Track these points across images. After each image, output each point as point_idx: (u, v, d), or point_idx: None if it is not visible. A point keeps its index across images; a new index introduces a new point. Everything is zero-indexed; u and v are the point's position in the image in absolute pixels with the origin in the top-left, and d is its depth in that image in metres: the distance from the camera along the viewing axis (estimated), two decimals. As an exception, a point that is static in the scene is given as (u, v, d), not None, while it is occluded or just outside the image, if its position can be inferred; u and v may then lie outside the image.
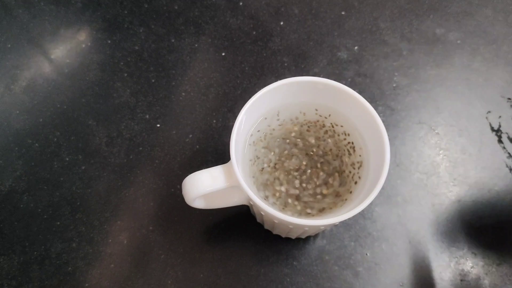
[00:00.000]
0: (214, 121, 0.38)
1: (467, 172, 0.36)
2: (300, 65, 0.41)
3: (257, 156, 0.30)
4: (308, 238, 0.33)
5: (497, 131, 0.38)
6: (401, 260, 0.33)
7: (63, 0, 0.44)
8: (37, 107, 0.39)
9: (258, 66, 0.41)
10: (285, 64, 0.41)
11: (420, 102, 0.39)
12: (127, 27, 0.43)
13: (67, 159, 0.37)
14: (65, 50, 0.42)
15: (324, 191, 0.29)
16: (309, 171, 0.30)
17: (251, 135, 0.30)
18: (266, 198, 0.29)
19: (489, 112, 0.39)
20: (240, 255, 0.33)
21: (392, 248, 0.33)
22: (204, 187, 0.26)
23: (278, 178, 0.29)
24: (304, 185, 0.29)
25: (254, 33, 0.43)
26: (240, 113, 0.27)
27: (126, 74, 0.41)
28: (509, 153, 0.37)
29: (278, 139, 0.31)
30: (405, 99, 0.39)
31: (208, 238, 0.34)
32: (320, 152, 0.30)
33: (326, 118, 0.31)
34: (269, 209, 0.24)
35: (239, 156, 0.28)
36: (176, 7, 0.44)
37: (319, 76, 0.29)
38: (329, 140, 0.31)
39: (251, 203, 0.27)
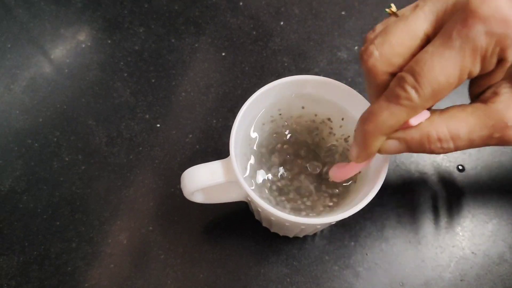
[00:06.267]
0: (214, 121, 0.38)
1: (467, 172, 0.36)
2: (300, 65, 0.41)
3: (256, 153, 0.30)
4: (308, 238, 0.33)
5: (497, 131, 0.38)
6: (401, 260, 0.33)
7: (63, 0, 0.44)
8: (37, 107, 0.39)
9: (258, 66, 0.41)
10: (285, 64, 0.41)
11: (420, 102, 0.39)
12: (127, 27, 0.43)
13: (67, 159, 0.37)
14: (65, 50, 0.42)
15: (323, 190, 0.29)
16: (308, 170, 0.30)
17: (251, 131, 0.30)
18: (264, 195, 0.29)
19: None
20: (240, 255, 0.33)
21: (392, 248, 0.33)
22: (203, 181, 0.26)
23: (277, 176, 0.29)
24: (303, 183, 0.29)
25: (254, 33, 0.43)
26: (240, 110, 0.27)
27: (126, 74, 0.41)
28: (509, 154, 0.37)
29: (278, 136, 0.31)
30: (405, 99, 0.39)
31: (208, 238, 0.34)
32: (320, 151, 0.30)
33: (326, 116, 0.31)
34: (266, 206, 0.24)
35: (238, 152, 0.28)
36: (176, 7, 0.44)
37: (319, 76, 0.29)
38: (330, 138, 0.31)
39: (249, 199, 0.28)
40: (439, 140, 0.21)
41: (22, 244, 0.33)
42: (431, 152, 0.21)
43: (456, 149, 0.21)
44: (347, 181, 0.29)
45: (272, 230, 0.33)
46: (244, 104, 0.27)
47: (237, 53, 0.42)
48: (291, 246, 0.33)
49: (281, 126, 0.31)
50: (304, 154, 0.30)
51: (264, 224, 0.33)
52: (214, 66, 0.41)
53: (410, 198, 0.35)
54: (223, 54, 0.42)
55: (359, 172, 0.28)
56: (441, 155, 0.37)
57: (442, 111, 0.21)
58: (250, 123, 0.30)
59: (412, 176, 0.36)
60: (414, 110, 0.20)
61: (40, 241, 0.33)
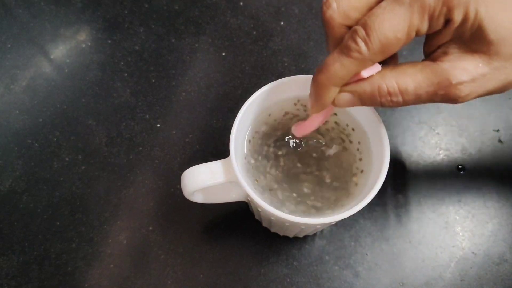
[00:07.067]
0: (214, 121, 0.38)
1: (467, 172, 0.36)
2: (300, 65, 0.41)
3: (256, 153, 0.30)
4: (308, 238, 0.33)
5: (497, 131, 0.38)
6: (401, 260, 0.33)
7: (63, 0, 0.44)
8: (37, 107, 0.39)
9: (258, 66, 0.41)
10: (285, 64, 0.41)
11: (420, 102, 0.39)
12: (127, 27, 0.43)
13: (67, 159, 0.37)
14: (65, 50, 0.42)
15: (324, 189, 0.29)
16: (308, 169, 0.30)
17: (251, 131, 0.30)
18: (264, 194, 0.29)
19: (490, 112, 0.39)
20: (240, 255, 0.33)
21: (392, 248, 0.33)
22: (203, 181, 0.26)
23: (277, 175, 0.29)
24: (303, 182, 0.29)
25: (254, 33, 0.43)
26: (240, 110, 0.27)
27: (126, 74, 0.41)
28: (509, 154, 0.37)
29: (279, 136, 0.31)
30: (405, 99, 0.39)
31: (208, 238, 0.34)
32: (321, 151, 0.30)
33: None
34: (266, 206, 0.24)
35: (238, 152, 0.28)
36: (176, 7, 0.44)
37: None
38: (330, 137, 0.31)
39: (249, 199, 0.28)
40: (389, 93, 0.21)
41: (22, 244, 0.33)
42: (382, 105, 0.22)
43: (404, 103, 0.22)
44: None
45: (272, 230, 0.33)
46: (244, 104, 0.27)
47: (237, 53, 0.42)
48: (291, 246, 0.33)
49: (282, 126, 0.31)
50: (303, 154, 0.30)
51: (264, 224, 0.33)
52: (214, 66, 0.41)
53: (410, 198, 0.35)
54: (223, 54, 0.42)
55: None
56: (441, 155, 0.37)
57: (393, 66, 0.22)
58: (250, 123, 0.30)
59: (412, 176, 0.36)
60: (364, 63, 0.21)
61: (40, 241, 0.33)
